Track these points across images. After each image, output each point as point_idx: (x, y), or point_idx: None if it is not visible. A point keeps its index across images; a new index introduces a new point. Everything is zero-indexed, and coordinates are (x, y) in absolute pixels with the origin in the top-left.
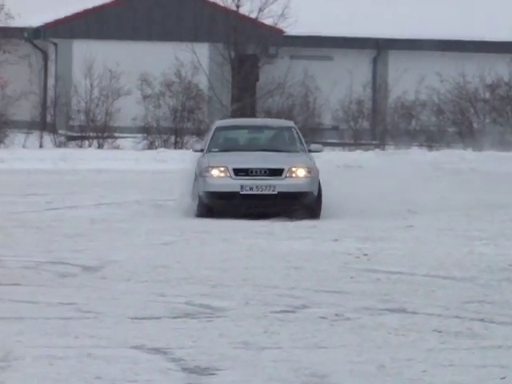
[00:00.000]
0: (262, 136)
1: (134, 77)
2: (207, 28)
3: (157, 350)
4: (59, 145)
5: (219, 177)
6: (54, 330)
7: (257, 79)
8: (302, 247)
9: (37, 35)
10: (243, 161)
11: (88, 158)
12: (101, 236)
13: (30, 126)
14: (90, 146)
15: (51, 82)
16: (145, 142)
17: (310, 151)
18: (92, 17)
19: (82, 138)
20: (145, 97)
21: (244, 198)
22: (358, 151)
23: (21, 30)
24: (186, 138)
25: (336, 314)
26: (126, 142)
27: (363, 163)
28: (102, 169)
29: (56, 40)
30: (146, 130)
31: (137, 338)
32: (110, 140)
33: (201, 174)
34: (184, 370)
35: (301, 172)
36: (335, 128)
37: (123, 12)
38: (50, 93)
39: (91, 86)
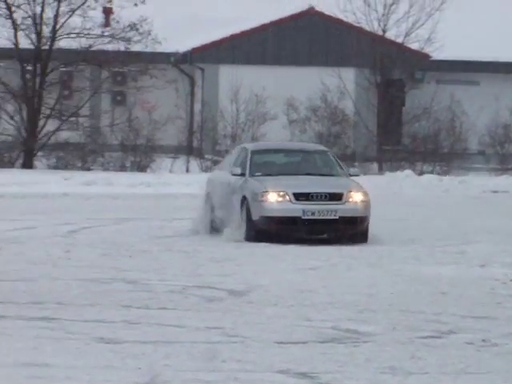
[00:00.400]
0: (300, 160)
1: (280, 101)
2: (353, 53)
3: (303, 375)
4: (205, 169)
5: (278, 201)
6: (200, 354)
7: (403, 104)
8: (449, 272)
9: (184, 60)
10: (302, 185)
11: None
12: (247, 260)
13: (176, 151)
14: None
15: (198, 106)
16: None
17: (349, 175)
18: (239, 42)
19: None
20: (291, 121)
21: (305, 223)
22: (505, 176)
23: (167, 55)
24: None
25: (483, 340)
26: None
27: (510, 188)
28: None
29: (203, 65)
30: None
31: (283, 363)
32: None
33: (254, 198)
34: None
35: (358, 196)
36: (481, 153)
37: (269, 37)
38: (197, 118)
39: (237, 110)
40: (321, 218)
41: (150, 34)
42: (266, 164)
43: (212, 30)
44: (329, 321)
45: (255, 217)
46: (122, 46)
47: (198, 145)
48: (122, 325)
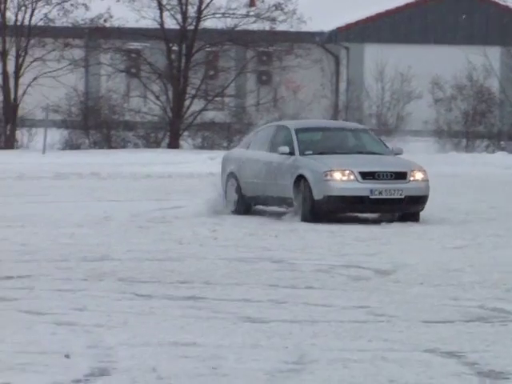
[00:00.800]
0: (346, 138)
1: (425, 80)
2: (499, 31)
3: (450, 354)
4: None
5: (344, 180)
6: (347, 333)
7: None
8: None
9: (329, 40)
10: (366, 164)
11: None
12: (393, 239)
13: None
14: None
15: (343, 86)
16: (436, 145)
17: (395, 154)
18: (384, 21)
19: None
20: (436, 100)
21: (372, 203)
22: None
23: (312, 34)
24: (477, 142)
25: None
26: (417, 145)
27: None
28: None
29: (348, 44)
30: (437, 133)
31: (430, 342)
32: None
33: (316, 177)
34: (478, 374)
35: (419, 175)
36: None
37: (414, 15)
38: (342, 97)
39: (382, 89)
40: (388, 197)
41: (295, 14)
42: (313, 142)
43: (357, 10)
44: (475, 300)
45: (318, 196)
46: (267, 26)
47: None
48: (269, 304)
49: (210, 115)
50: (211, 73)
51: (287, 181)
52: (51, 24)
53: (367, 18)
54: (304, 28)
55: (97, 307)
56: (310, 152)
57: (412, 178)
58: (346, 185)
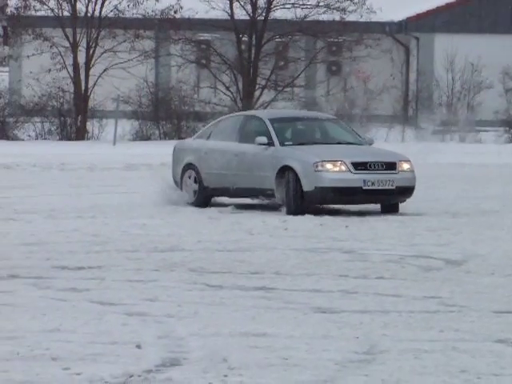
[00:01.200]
0: (322, 128)
1: (496, 70)
2: None
3: None
4: (421, 139)
5: (336, 171)
6: (418, 323)
7: None
8: None
9: (398, 30)
10: (356, 154)
11: (449, 151)
12: (464, 229)
13: (391, 120)
14: (451, 139)
15: (413, 76)
16: (506, 135)
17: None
18: (455, 10)
19: (444, 132)
20: (507, 90)
21: (365, 193)
22: None
23: (382, 24)
24: None
25: None
26: (487, 135)
27: None
28: (464, 162)
29: (418, 34)
30: (507, 123)
31: (501, 332)
32: (471, 134)
33: (305, 168)
34: None
35: (406, 166)
36: None
37: (484, 5)
38: (412, 87)
39: (453, 79)
40: (380, 188)
41: (364, 4)
42: (291, 133)
43: (425, 0)
44: None
45: (308, 188)
46: (336, 16)
47: (414, 114)
48: (340, 294)
49: (279, 105)
50: (281, 63)
51: (267, 172)
52: (121, 15)
53: (437, 8)
54: (374, 18)
55: (167, 298)
56: (290, 143)
57: (400, 169)
58: (339, 175)
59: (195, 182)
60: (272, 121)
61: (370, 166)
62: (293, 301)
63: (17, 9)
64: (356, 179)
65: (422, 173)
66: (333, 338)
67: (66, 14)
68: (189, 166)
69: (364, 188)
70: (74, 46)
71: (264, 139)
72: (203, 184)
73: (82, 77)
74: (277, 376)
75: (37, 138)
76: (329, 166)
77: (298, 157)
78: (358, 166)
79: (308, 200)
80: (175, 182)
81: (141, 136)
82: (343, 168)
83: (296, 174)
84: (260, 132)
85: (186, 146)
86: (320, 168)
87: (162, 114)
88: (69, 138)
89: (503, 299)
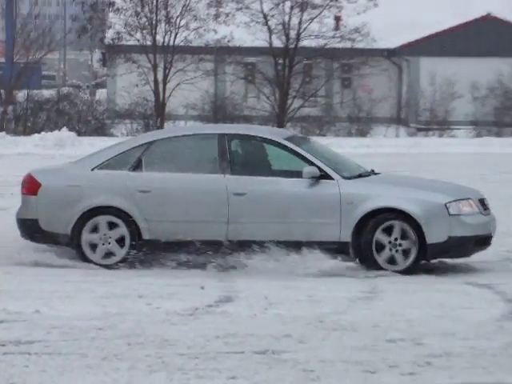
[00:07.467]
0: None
1: (466, 84)
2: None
3: None
4: (411, 135)
5: (471, 213)
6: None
7: None
8: None
9: (393, 54)
10: (460, 190)
11: (432, 144)
12: None
13: (388, 121)
14: (433, 135)
15: (404, 88)
16: (474, 132)
17: None
18: (434, 40)
19: (427, 130)
20: (474, 98)
21: (488, 242)
22: None
23: (381, 50)
24: (505, 130)
25: None
26: (459, 132)
27: None
28: (442, 152)
29: (408, 57)
30: (474, 123)
31: None
32: (447, 131)
33: (430, 211)
34: None
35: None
36: None
37: (458, 36)
38: (404, 96)
39: (434, 91)
40: (492, 232)
41: (369, 35)
42: (323, 158)
43: (413, 32)
44: None
45: (436, 239)
46: (348, 44)
47: (405, 116)
48: None
49: (306, 111)
50: (307, 79)
51: (336, 218)
52: (189, 44)
53: (422, 39)
54: (375, 45)
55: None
56: (347, 174)
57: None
58: (477, 219)
59: (128, 235)
60: (292, 141)
61: (484, 204)
62: None
63: (112, 40)
64: (488, 222)
65: (410, 160)
66: (344, 280)
67: (148, 43)
68: (104, 211)
69: (492, 234)
70: (155, 67)
71: (315, 171)
72: (146, 237)
73: (161, 89)
74: (304, 309)
75: (128, 135)
76: (465, 207)
77: (408, 195)
78: (482, 205)
79: (433, 255)
80: (52, 235)
81: None
82: (476, 209)
83: (414, 221)
84: (279, 158)
85: (82, 179)
86: (456, 211)
87: (220, 117)
88: None
89: None
